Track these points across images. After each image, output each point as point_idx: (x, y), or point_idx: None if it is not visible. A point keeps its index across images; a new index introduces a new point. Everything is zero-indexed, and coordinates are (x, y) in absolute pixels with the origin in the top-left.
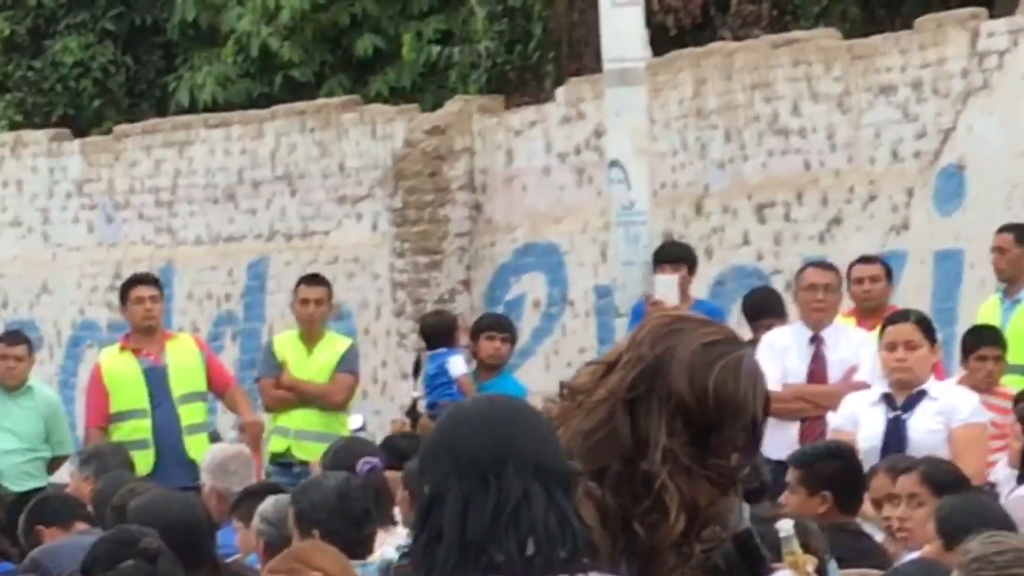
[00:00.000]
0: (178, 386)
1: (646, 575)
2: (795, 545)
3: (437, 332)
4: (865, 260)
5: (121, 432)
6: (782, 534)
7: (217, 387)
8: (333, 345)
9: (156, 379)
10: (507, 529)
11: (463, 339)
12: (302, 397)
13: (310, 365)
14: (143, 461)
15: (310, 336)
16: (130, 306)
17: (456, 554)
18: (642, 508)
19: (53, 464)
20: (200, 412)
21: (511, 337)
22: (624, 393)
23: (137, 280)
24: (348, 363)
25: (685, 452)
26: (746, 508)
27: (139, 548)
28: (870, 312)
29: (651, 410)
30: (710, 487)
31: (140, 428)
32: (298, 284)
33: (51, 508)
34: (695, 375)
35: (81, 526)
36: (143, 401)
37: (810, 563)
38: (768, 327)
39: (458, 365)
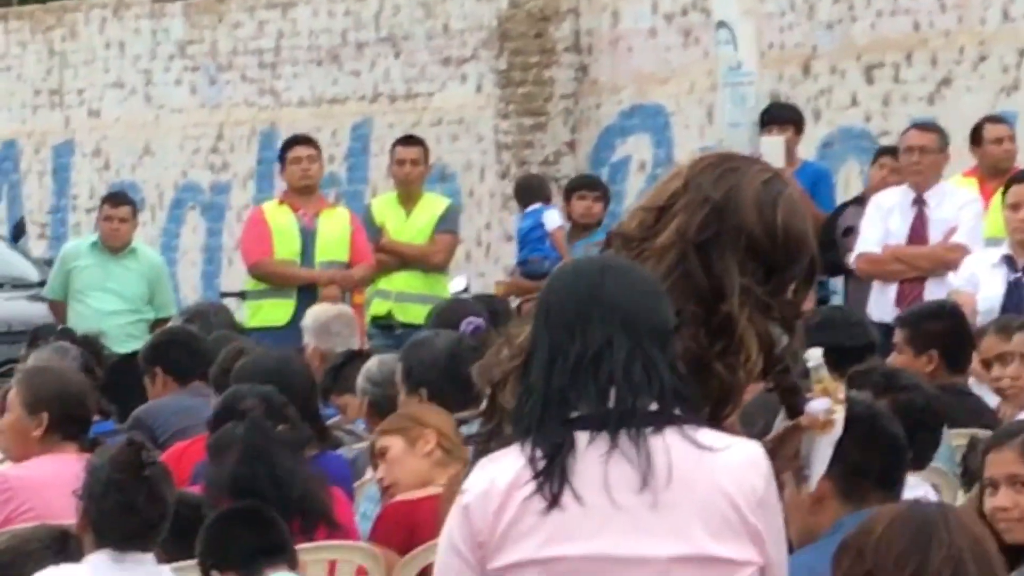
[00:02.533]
0: (322, 252)
1: (715, 416)
2: (824, 372)
3: (531, 191)
4: (995, 120)
5: (270, 279)
6: (810, 363)
7: (355, 262)
8: (432, 206)
9: (306, 240)
10: (587, 378)
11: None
12: (402, 259)
13: (409, 227)
14: (283, 311)
15: (408, 198)
16: (288, 166)
17: (540, 405)
18: (719, 348)
19: (155, 326)
20: None
21: (603, 196)
22: (694, 236)
23: (295, 140)
24: (448, 223)
25: (759, 291)
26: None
27: (238, 410)
28: (1000, 173)
29: (723, 251)
30: (777, 325)
31: None
32: (394, 145)
33: (177, 358)
34: (763, 213)
35: (197, 384)
36: (295, 255)
37: (840, 389)
38: (888, 167)
39: (553, 218)
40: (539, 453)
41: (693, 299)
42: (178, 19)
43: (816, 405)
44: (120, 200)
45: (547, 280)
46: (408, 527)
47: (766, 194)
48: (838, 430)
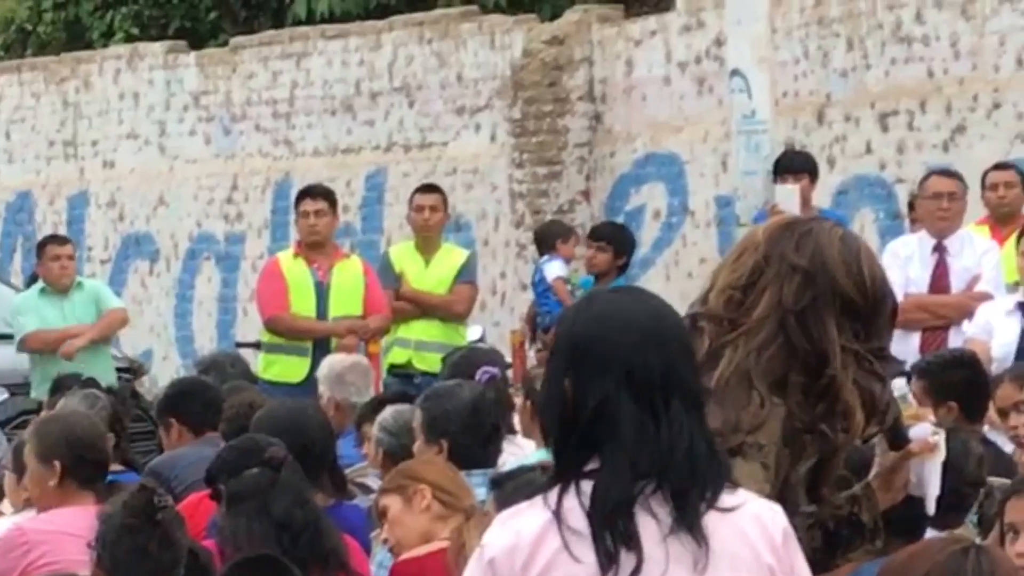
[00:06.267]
0: (336, 307)
1: (817, 477)
2: (911, 399)
3: (541, 239)
4: (1000, 167)
5: (286, 334)
6: (896, 393)
7: (369, 314)
8: (451, 256)
9: (320, 294)
10: (675, 466)
11: (571, 247)
12: (423, 308)
13: (428, 276)
14: (298, 369)
15: (427, 247)
16: (299, 219)
17: (626, 484)
18: (821, 411)
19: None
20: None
21: (607, 247)
22: (792, 305)
23: (306, 193)
24: (468, 273)
25: (857, 348)
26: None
27: (265, 457)
28: (1004, 219)
29: (819, 315)
30: (874, 377)
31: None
32: (413, 193)
33: (193, 409)
34: (851, 270)
35: (211, 435)
36: (311, 310)
37: (929, 413)
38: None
39: (552, 269)
40: (575, 518)
41: (795, 368)
42: (192, 69)
43: (920, 431)
44: (65, 239)
45: (606, 323)
46: None
47: (848, 251)
48: (943, 451)
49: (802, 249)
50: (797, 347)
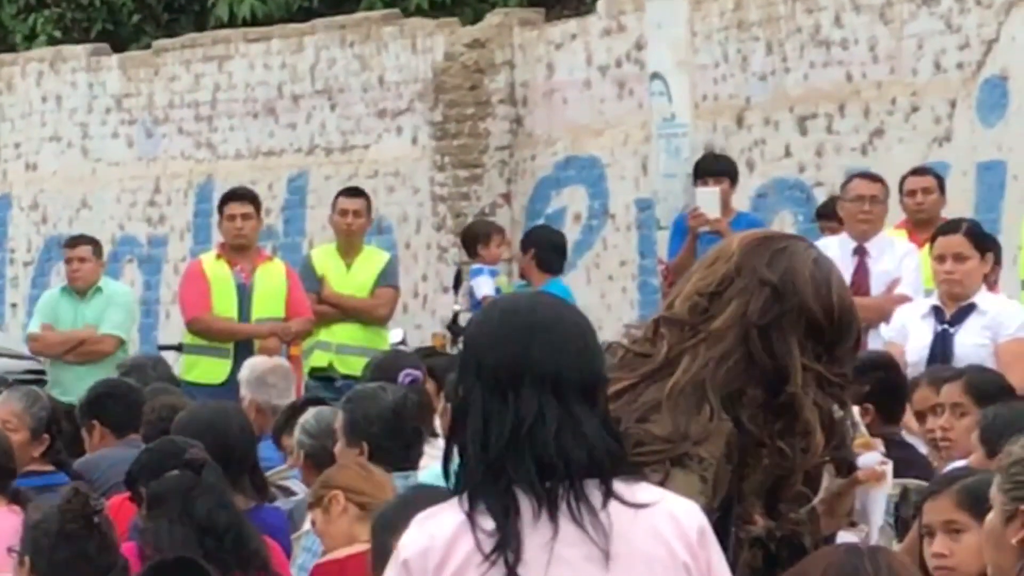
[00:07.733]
0: (259, 309)
1: (774, 495)
2: (862, 428)
3: (465, 241)
4: (918, 172)
5: (208, 335)
6: (849, 420)
7: (291, 316)
8: (372, 259)
9: (243, 297)
10: (524, 448)
11: (494, 248)
12: (345, 312)
13: (350, 280)
14: (219, 370)
15: (349, 250)
16: (223, 222)
17: (481, 469)
18: (779, 428)
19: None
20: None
21: (524, 242)
22: (757, 319)
23: (231, 196)
24: (389, 277)
25: (820, 369)
26: None
27: (185, 459)
28: (922, 224)
29: (784, 332)
30: (835, 400)
31: None
32: (337, 196)
33: (115, 411)
34: (820, 293)
35: (134, 437)
36: (232, 311)
37: (880, 443)
38: (833, 230)
39: (481, 286)
40: (488, 520)
41: (754, 381)
42: (114, 72)
43: (869, 459)
44: (78, 240)
45: (474, 328)
46: None
47: (820, 273)
48: (890, 481)
49: (774, 265)
50: (758, 362)
